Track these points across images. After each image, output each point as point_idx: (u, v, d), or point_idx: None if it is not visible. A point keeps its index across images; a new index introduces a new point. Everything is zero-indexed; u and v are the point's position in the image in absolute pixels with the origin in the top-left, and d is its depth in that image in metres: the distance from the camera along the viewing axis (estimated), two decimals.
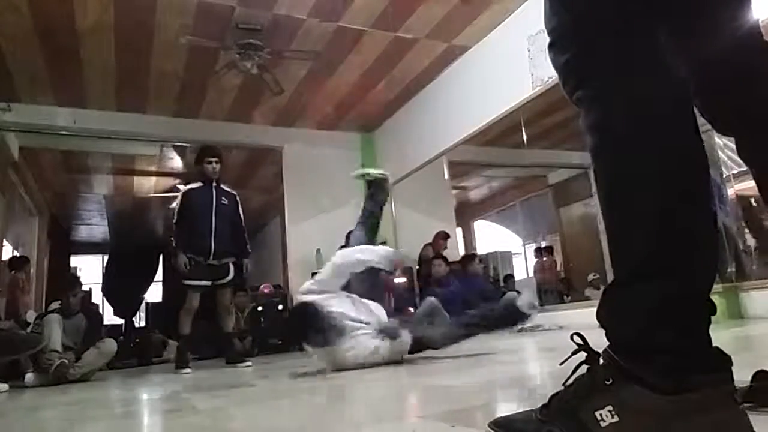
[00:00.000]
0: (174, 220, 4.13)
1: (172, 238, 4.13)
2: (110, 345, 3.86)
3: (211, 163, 4.17)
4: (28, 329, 3.94)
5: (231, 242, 4.15)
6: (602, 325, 0.68)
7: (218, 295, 4.10)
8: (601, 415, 0.64)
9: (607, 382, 0.65)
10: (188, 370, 3.74)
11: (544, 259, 7.16)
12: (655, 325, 0.62)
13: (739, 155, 0.86)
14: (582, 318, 3.60)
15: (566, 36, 0.71)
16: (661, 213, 0.64)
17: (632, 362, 0.63)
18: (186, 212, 4.08)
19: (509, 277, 7.16)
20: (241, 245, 4.23)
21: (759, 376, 0.83)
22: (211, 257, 4.00)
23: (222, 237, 4.06)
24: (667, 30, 0.73)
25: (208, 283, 4.02)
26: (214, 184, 4.17)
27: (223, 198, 4.17)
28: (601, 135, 0.68)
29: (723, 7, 0.83)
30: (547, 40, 0.74)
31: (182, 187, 4.34)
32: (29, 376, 3.43)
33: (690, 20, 0.81)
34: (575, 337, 0.73)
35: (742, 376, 0.74)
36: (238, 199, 4.31)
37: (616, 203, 0.68)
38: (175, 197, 8.39)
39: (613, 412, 0.63)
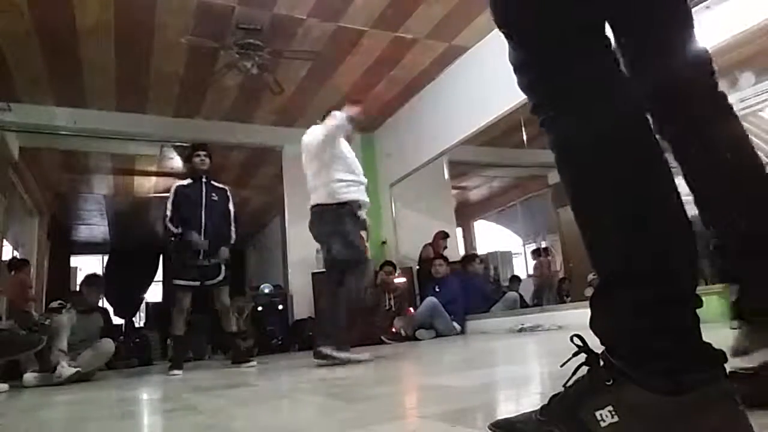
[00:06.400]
0: (168, 216, 3.97)
1: (170, 234, 3.99)
2: (107, 345, 3.85)
3: (199, 155, 4.10)
4: (37, 318, 3.89)
5: (222, 239, 4.05)
6: (595, 333, 0.69)
7: (215, 295, 4.03)
8: (601, 415, 0.64)
9: (608, 383, 0.65)
10: (178, 372, 3.60)
11: (542, 259, 7.16)
12: (642, 329, 0.63)
13: (676, 159, 0.98)
14: (581, 318, 3.58)
15: (526, 62, 0.74)
16: (625, 221, 0.65)
17: (628, 366, 0.63)
18: (178, 208, 3.97)
19: (515, 278, 7.12)
20: (225, 232, 4.10)
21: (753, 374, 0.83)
22: (200, 256, 3.90)
23: (212, 234, 3.95)
24: (624, 49, 0.90)
25: (197, 283, 3.90)
26: (204, 179, 4.09)
27: (213, 194, 4.08)
28: (561, 152, 0.72)
29: (669, 27, 0.98)
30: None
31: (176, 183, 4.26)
32: (29, 376, 3.42)
33: (643, 39, 0.96)
34: (575, 339, 0.73)
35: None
36: (229, 193, 4.21)
37: (583, 216, 0.70)
38: None
39: (614, 413, 0.63)
